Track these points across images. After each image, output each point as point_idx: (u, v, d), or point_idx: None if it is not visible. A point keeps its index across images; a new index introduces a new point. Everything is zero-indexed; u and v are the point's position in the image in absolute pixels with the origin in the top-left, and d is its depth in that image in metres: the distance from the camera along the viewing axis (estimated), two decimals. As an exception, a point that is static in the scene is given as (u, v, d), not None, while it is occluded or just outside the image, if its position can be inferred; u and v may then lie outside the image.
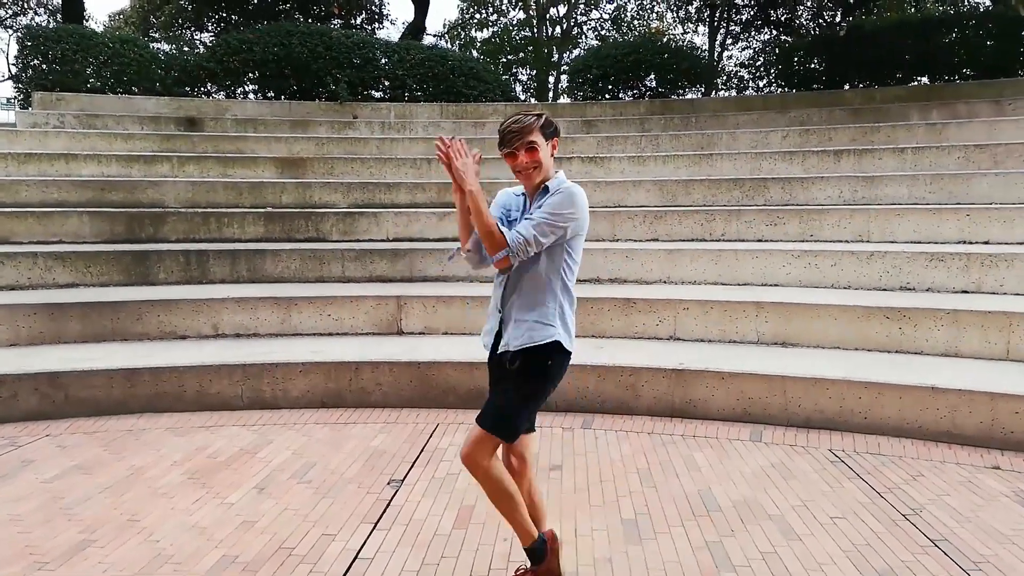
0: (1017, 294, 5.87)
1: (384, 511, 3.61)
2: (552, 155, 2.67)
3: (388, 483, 3.97)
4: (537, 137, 2.58)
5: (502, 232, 2.58)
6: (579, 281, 2.85)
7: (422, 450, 4.46)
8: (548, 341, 2.64)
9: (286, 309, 6.24)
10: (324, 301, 6.27)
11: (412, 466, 4.21)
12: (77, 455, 4.40)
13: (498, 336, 2.75)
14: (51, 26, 13.26)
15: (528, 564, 2.84)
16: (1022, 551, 3.17)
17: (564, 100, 18.02)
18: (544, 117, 2.62)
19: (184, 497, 3.79)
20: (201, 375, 5.32)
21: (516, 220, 2.72)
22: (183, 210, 8.00)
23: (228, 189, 8.50)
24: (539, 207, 2.61)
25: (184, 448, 4.51)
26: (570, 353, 2.73)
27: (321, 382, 5.38)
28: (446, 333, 6.22)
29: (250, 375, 5.35)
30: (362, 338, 6.14)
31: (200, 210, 8.01)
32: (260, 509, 3.64)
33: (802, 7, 18.42)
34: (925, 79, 12.99)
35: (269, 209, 8.22)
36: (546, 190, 2.66)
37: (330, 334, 6.25)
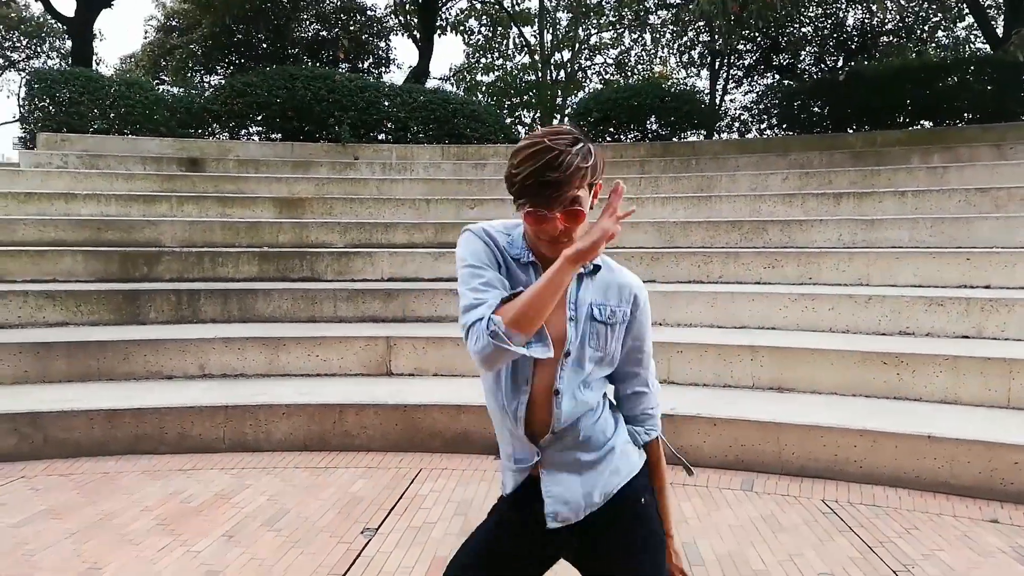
0: (1018, 340, 5.73)
1: (353, 563, 3.48)
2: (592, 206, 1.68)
3: (362, 532, 3.83)
4: (583, 191, 1.60)
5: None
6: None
7: (401, 496, 4.33)
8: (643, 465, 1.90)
9: (274, 349, 6.17)
10: (312, 342, 6.19)
11: (388, 514, 4.07)
12: (49, 498, 4.29)
13: (526, 491, 1.79)
14: (59, 69, 13.47)
15: None
16: (1021, 613, 3.00)
17: (568, 142, 18.10)
18: (591, 152, 1.60)
19: (150, 545, 3.67)
20: (183, 417, 5.24)
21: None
22: (178, 249, 8.00)
23: (226, 229, 8.52)
24: (636, 331, 1.82)
25: (158, 493, 4.40)
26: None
27: (304, 424, 5.27)
28: (435, 375, 6.11)
29: (232, 417, 5.26)
30: (350, 379, 6.05)
31: (195, 249, 8.00)
32: (226, 559, 3.51)
33: (804, 52, 18.63)
34: (927, 123, 13.00)
35: (265, 248, 8.21)
36: (596, 269, 1.77)
37: (318, 375, 6.17)
